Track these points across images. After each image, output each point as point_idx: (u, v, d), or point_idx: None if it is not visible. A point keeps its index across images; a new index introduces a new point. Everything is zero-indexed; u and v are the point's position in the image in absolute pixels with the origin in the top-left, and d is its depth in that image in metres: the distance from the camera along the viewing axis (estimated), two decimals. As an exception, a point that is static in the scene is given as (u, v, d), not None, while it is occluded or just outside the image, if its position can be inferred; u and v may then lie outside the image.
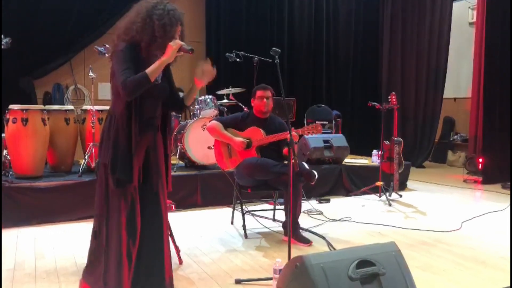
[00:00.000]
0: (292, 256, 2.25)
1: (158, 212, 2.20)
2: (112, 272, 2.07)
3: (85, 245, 3.03)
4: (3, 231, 3.59)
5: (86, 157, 4.36)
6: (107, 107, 4.70)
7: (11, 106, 4.09)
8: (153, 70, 2.02)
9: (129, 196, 2.08)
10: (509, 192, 5.39)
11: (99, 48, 4.13)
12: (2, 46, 3.89)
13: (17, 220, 3.73)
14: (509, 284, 2.57)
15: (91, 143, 4.35)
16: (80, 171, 4.25)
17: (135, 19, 2.06)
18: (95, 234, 2.17)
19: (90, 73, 4.53)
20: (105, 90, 7.29)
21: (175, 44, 2.08)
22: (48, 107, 4.50)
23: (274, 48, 2.71)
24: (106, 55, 4.17)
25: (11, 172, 4.14)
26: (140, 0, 2.12)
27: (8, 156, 4.18)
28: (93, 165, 4.24)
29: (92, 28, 6.50)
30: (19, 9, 5.93)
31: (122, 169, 2.04)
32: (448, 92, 7.57)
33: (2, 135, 4.20)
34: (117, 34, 2.11)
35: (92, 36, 6.46)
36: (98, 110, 4.51)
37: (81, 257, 2.93)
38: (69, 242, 3.34)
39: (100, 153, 2.11)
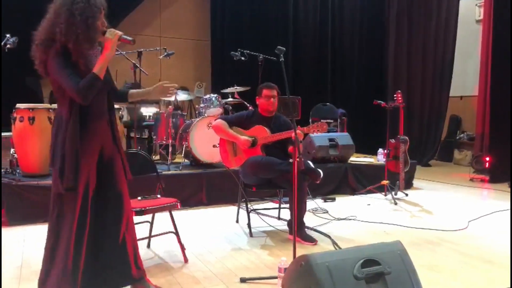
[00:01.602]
0: (297, 255, 2.25)
1: (119, 205, 2.18)
2: (65, 278, 2.04)
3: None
4: (11, 229, 3.62)
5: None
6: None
7: (18, 105, 4.11)
8: (101, 68, 1.98)
9: (80, 199, 2.03)
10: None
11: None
12: (8, 45, 3.92)
13: (23, 218, 3.76)
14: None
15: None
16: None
17: (56, 20, 1.95)
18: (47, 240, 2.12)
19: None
20: (110, 89, 7.31)
21: (113, 36, 2.00)
22: (54, 106, 4.52)
23: (279, 47, 2.70)
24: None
25: (18, 171, 4.17)
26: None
27: (15, 155, 4.21)
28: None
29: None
30: (25, 8, 5.96)
31: (71, 175, 2.00)
32: (455, 90, 7.51)
33: (2, 133, 4.23)
34: (39, 39, 1.98)
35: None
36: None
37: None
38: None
39: (51, 158, 2.04)
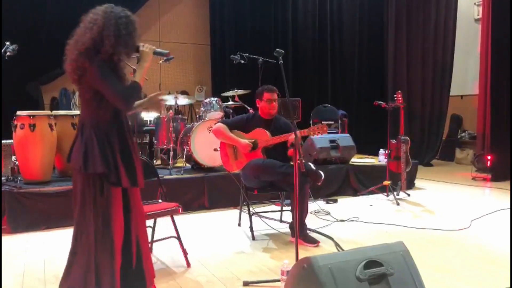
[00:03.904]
0: (299, 257, 2.24)
1: (141, 210, 2.27)
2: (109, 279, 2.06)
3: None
4: (12, 237, 3.62)
5: (93, 161, 4.37)
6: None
7: (18, 112, 4.12)
8: (141, 78, 2.15)
9: (122, 201, 2.11)
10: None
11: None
12: (8, 53, 3.94)
13: (26, 225, 3.76)
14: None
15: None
16: (88, 175, 4.26)
17: (104, 32, 2.01)
18: (75, 243, 2.15)
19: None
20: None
21: (150, 49, 2.19)
22: (55, 112, 4.53)
23: (278, 49, 2.70)
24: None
25: (19, 178, 4.18)
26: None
27: (17, 162, 4.22)
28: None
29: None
30: (26, 16, 6.00)
31: (128, 175, 2.09)
32: (455, 89, 7.51)
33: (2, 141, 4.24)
34: (83, 48, 2.01)
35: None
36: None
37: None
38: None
39: (87, 163, 2.04)
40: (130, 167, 2.11)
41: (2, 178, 4.11)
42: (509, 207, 4.39)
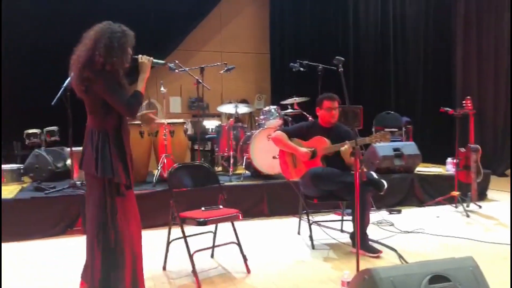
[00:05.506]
0: (360, 269, 2.20)
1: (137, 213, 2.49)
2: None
3: (160, 250, 3.18)
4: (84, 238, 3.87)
5: (159, 167, 4.59)
6: (179, 120, 4.93)
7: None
8: (142, 88, 2.36)
9: (134, 201, 2.40)
10: None
11: (170, 65, 4.36)
12: None
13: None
14: None
15: (164, 155, 4.57)
16: (154, 181, 4.48)
17: (96, 45, 2.19)
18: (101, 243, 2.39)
19: (162, 88, 4.78)
20: (175, 104, 7.66)
21: (148, 60, 2.40)
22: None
23: (337, 57, 2.69)
24: (176, 71, 4.39)
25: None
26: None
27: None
28: (165, 175, 4.44)
29: (162, 46, 6.91)
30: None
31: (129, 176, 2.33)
32: (533, 94, 6.96)
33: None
34: (84, 61, 2.20)
35: (164, 53, 6.84)
36: (170, 123, 4.74)
37: (158, 261, 3.07)
38: (144, 248, 3.51)
39: (101, 169, 2.24)
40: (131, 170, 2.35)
41: (77, 183, 4.41)
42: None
